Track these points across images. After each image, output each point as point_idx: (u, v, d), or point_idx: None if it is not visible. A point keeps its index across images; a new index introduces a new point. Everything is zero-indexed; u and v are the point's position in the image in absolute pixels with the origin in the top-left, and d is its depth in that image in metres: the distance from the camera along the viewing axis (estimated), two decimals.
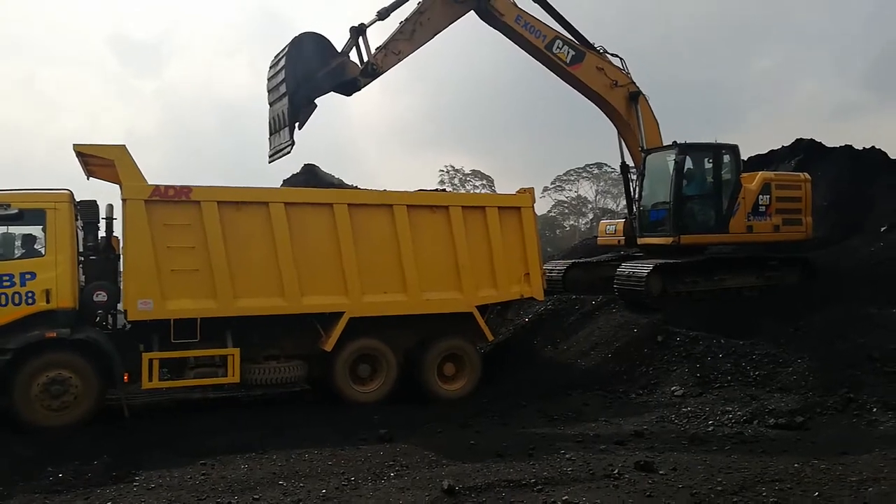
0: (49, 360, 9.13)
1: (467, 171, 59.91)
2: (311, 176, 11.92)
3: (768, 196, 13.65)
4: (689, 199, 13.42)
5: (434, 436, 8.55)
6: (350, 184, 11.81)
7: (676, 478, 6.61)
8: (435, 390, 10.93)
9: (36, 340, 9.04)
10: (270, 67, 12.10)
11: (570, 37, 13.89)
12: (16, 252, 9.69)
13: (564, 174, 61.03)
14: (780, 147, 19.69)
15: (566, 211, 62.47)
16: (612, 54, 14.31)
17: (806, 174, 14.75)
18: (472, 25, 13.32)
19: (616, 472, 6.78)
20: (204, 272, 9.75)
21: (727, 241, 13.71)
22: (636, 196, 14.41)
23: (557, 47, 13.68)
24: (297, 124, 11.62)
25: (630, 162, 14.83)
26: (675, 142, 13.65)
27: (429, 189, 13.00)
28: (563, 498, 6.07)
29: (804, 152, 18.84)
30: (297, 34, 11.67)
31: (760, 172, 14.26)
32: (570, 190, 61.60)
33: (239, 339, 10.00)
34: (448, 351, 11.13)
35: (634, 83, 14.31)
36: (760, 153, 19.74)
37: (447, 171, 59.91)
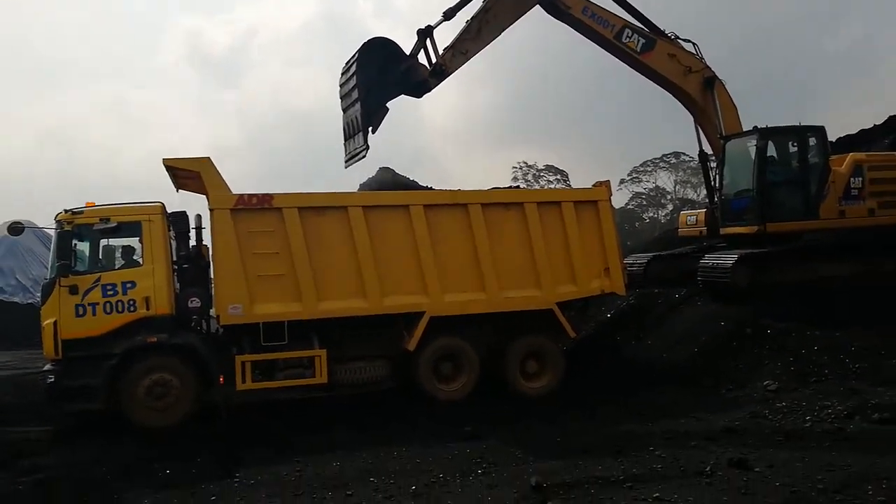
0: (151, 363, 9.65)
1: (541, 167, 59.36)
2: (386, 178, 12.11)
3: (861, 178, 12.98)
4: (773, 185, 12.88)
5: (519, 433, 8.58)
6: (424, 185, 11.95)
7: (773, 475, 6.41)
8: (518, 388, 10.94)
9: (139, 345, 9.58)
10: (342, 74, 12.39)
11: (639, 24, 13.61)
12: (116, 263, 10.26)
13: (641, 165, 59.62)
14: (871, 126, 18.68)
15: (644, 203, 61.02)
16: (684, 39, 13.97)
17: None
18: (540, 19, 13.24)
19: (708, 469, 6.63)
20: (288, 276, 10.07)
21: (817, 228, 13.10)
22: (717, 185, 13.99)
23: (627, 36, 13.43)
24: (370, 128, 11.86)
25: (709, 150, 14.41)
26: (755, 126, 13.17)
27: (502, 187, 12.93)
28: (654, 495, 5.99)
29: None
30: (366, 40, 11.91)
31: (851, 154, 13.55)
32: (648, 181, 60.13)
33: (325, 341, 10.28)
34: (530, 348, 11.11)
35: (709, 68, 13.89)
36: (849, 133, 18.78)
37: (520, 168, 59.54)
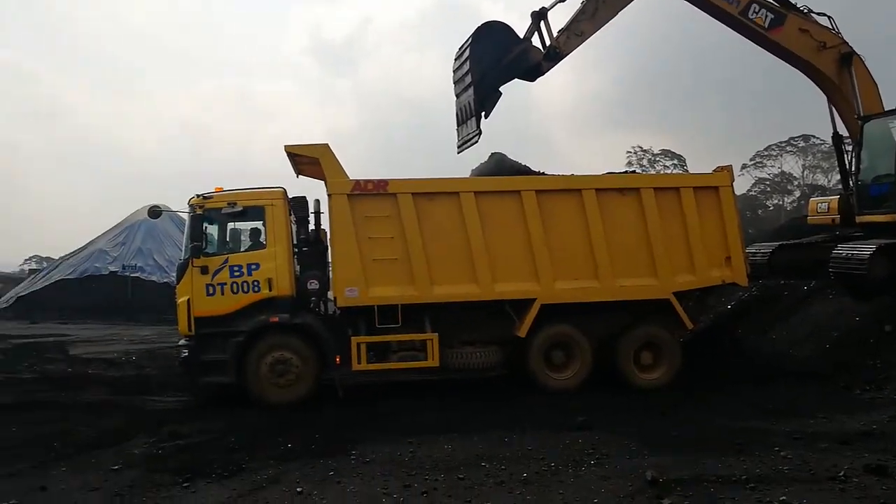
0: (273, 342, 10.17)
1: (656, 151, 57.41)
2: (498, 164, 12.05)
3: None
4: None
5: (634, 425, 8.37)
6: (537, 170, 11.77)
7: None
8: (632, 379, 10.69)
9: (263, 325, 10.11)
10: (455, 59, 12.43)
11: None
12: (242, 245, 10.84)
13: (765, 150, 56.38)
14: None
15: (768, 189, 57.73)
16: (818, 13, 13.00)
17: None
18: None
19: (842, 474, 6.21)
20: (403, 261, 10.29)
21: None
22: (853, 169, 12.99)
23: (753, 12, 12.63)
24: (483, 113, 11.85)
25: (844, 131, 13.40)
26: None
27: (617, 172, 12.58)
28: (781, 498, 5.69)
29: None
30: (479, 24, 11.89)
31: None
32: (773, 166, 56.82)
33: (437, 325, 10.46)
34: (645, 339, 10.82)
35: (846, 43, 12.88)
36: None
37: (635, 152, 57.81)
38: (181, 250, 11.57)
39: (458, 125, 12.46)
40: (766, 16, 12.69)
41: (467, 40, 11.97)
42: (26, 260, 65.39)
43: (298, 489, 6.36)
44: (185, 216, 10.78)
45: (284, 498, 6.19)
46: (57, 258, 35.24)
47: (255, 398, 10.02)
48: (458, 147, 12.48)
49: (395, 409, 9.54)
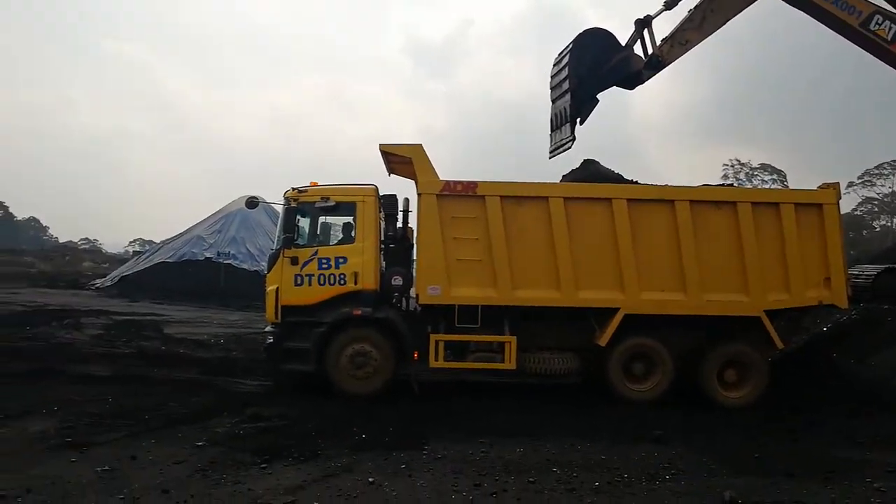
0: (354, 334, 10.41)
1: (755, 165, 55.33)
2: (590, 170, 11.90)
3: None
4: None
5: (713, 443, 8.11)
6: (630, 179, 11.54)
7: None
8: (714, 396, 10.34)
9: (346, 317, 10.36)
10: (554, 65, 12.35)
11: (892, 9, 12.04)
12: (331, 239, 11.14)
13: (876, 168, 53.33)
14: None
15: (876, 209, 54.53)
16: None
17: None
18: (769, 7, 12.21)
19: None
20: (486, 262, 10.31)
21: None
22: None
23: (876, 23, 11.91)
24: (578, 120, 11.72)
25: None
26: None
27: (713, 184, 12.17)
28: None
29: None
30: (581, 31, 11.79)
31: None
32: (883, 185, 53.65)
33: (515, 328, 10.43)
34: (731, 356, 10.44)
35: None
36: None
37: (732, 166, 55.86)
38: (273, 241, 12.00)
39: (552, 130, 12.39)
40: (890, 28, 11.93)
41: (567, 46, 11.89)
42: (131, 242, 69.60)
43: (370, 479, 6.50)
44: (280, 208, 11.15)
45: (356, 486, 6.34)
46: (158, 242, 37.30)
47: (334, 388, 10.28)
48: (551, 152, 12.40)
49: (468, 409, 9.58)
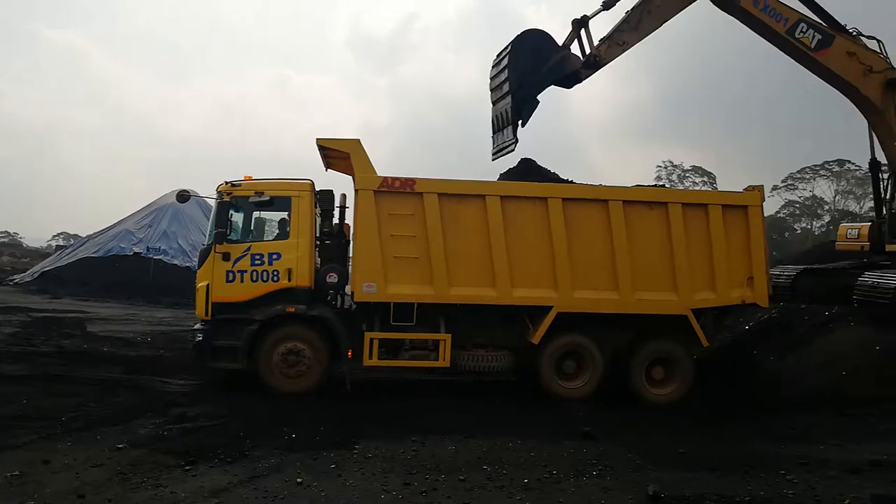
0: (287, 332, 10.25)
1: (687, 167, 57.09)
2: (527, 169, 12.01)
3: None
4: None
5: (640, 439, 8.32)
6: (566, 178, 11.72)
7: None
8: (642, 393, 10.60)
9: (279, 314, 10.18)
10: (493, 66, 12.40)
11: (816, 19, 12.60)
12: (265, 235, 10.93)
13: (798, 172, 55.79)
14: None
15: (797, 212, 57.03)
16: (867, 36, 12.78)
17: None
18: (702, 11, 12.59)
19: (847, 502, 6.13)
20: (423, 260, 10.29)
21: None
22: (887, 197, 12.75)
23: (801, 31, 12.45)
24: (520, 122, 11.84)
25: (882, 158, 13.15)
26: None
27: (646, 185, 12.46)
28: None
29: None
30: (518, 32, 11.87)
31: None
32: (805, 189, 56.18)
33: (451, 326, 10.45)
34: (658, 354, 10.72)
35: (894, 68, 12.64)
36: None
37: (665, 167, 57.48)
38: (205, 235, 11.69)
39: (494, 132, 12.44)
40: (814, 36, 12.50)
41: (506, 48, 11.96)
42: (54, 236, 66.72)
43: (299, 479, 6.41)
44: (213, 202, 10.88)
45: (284, 487, 6.23)
46: (84, 236, 35.88)
47: (264, 386, 10.09)
48: (493, 154, 12.45)
49: (401, 407, 9.54)
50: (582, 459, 7.32)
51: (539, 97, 11.97)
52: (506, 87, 11.83)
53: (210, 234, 10.63)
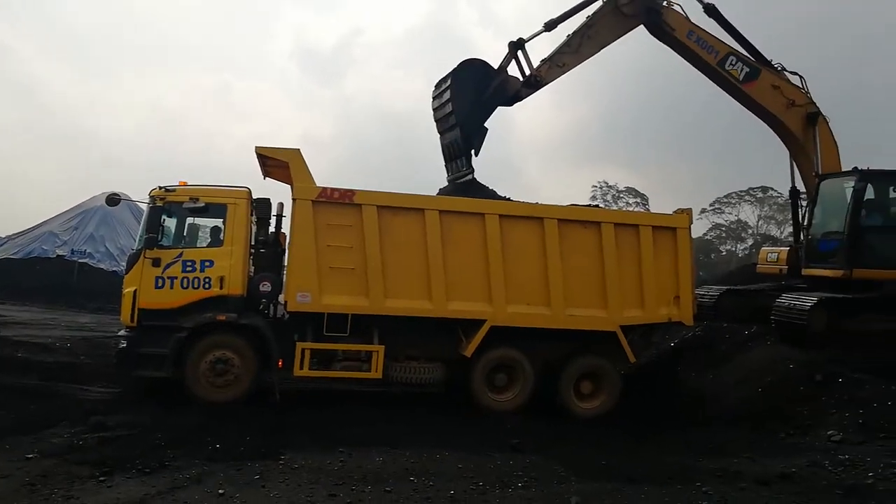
0: (217, 340, 10.04)
1: (621, 188, 58.45)
2: (466, 185, 12.21)
3: None
4: (867, 230, 12.23)
5: (565, 452, 8.46)
6: (503, 195, 11.93)
7: None
8: (570, 407, 10.79)
9: (209, 322, 9.98)
10: (435, 97, 12.56)
11: (744, 53, 13.24)
12: (199, 241, 10.71)
13: (725, 197, 57.75)
14: None
15: (723, 235, 59.07)
16: (790, 72, 13.56)
17: None
18: (641, 40, 13.10)
19: None
20: (359, 271, 10.26)
21: None
22: (805, 223, 13.43)
23: (731, 64, 13.09)
24: (472, 151, 12.04)
25: (801, 187, 13.87)
26: (855, 167, 12.57)
27: (581, 204, 12.80)
28: None
29: None
30: (456, 65, 12.09)
31: None
32: (731, 213, 58.16)
33: (384, 338, 10.44)
34: (587, 368, 10.95)
35: (814, 103, 13.43)
36: None
37: (600, 187, 58.78)
38: (135, 240, 11.39)
39: (447, 162, 12.60)
40: (742, 69, 13.15)
41: (446, 80, 12.16)
42: None
43: (220, 491, 6.29)
44: (145, 206, 10.60)
45: (204, 499, 6.11)
46: (3, 237, 34.24)
47: (190, 395, 9.85)
48: (450, 182, 12.57)
49: (331, 418, 9.44)
50: (509, 471, 7.41)
51: (486, 124, 12.23)
52: (452, 120, 12.08)
53: (140, 239, 10.38)
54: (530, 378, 10.72)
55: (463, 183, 12.12)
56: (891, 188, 12.52)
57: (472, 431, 9.19)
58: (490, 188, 12.18)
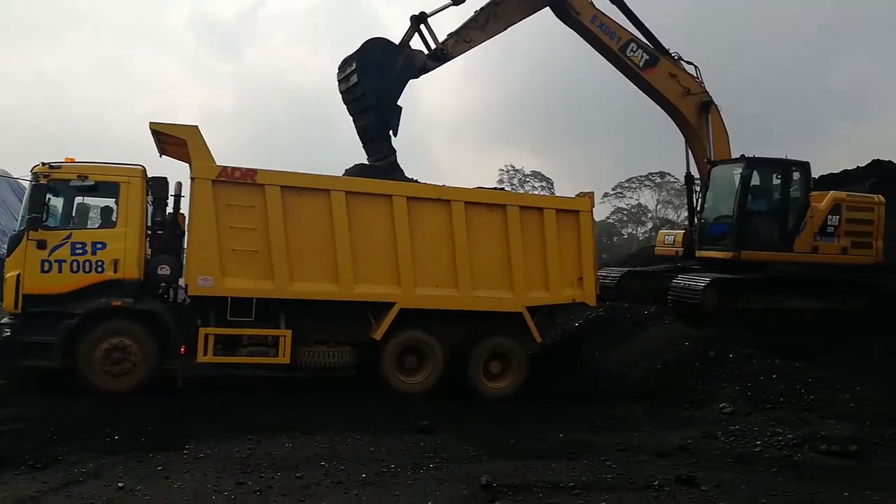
0: (112, 327, 9.54)
1: (527, 172, 59.78)
2: (371, 166, 12.07)
3: (838, 217, 13.19)
4: (753, 214, 13.05)
5: (475, 432, 8.60)
6: (411, 177, 11.89)
7: (719, 495, 6.51)
8: (479, 387, 10.97)
9: (102, 307, 9.46)
10: (341, 79, 12.31)
11: (645, 41, 13.71)
12: (89, 222, 10.12)
13: (626, 181, 60.19)
14: (855, 167, 18.95)
15: (625, 218, 61.59)
16: (686, 61, 14.12)
17: (880, 196, 14.11)
18: (549, 23, 13.31)
19: (656, 483, 6.72)
20: (263, 254, 10.00)
21: (790, 261, 13.24)
22: (698, 208, 14.14)
23: (631, 50, 13.53)
24: (391, 132, 11.91)
25: (695, 172, 14.57)
26: (743, 155, 13.32)
27: (488, 187, 12.95)
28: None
29: (882, 175, 18.04)
30: (359, 46, 11.90)
31: (831, 192, 13.75)
32: (631, 198, 60.74)
33: (291, 322, 10.23)
34: (495, 349, 11.14)
35: (707, 92, 14.05)
36: (833, 172, 19.03)
37: (507, 171, 59.84)
38: (17, 220, 10.63)
39: (365, 144, 12.38)
40: (642, 56, 13.61)
41: (351, 63, 11.94)
42: None
43: (120, 484, 6.00)
44: (27, 184, 9.88)
45: (102, 493, 5.81)
46: None
47: (84, 386, 9.32)
48: (371, 164, 12.34)
49: (239, 405, 9.20)
50: (419, 452, 7.45)
51: (399, 102, 12.13)
52: (364, 103, 11.91)
53: (23, 220, 9.68)
54: (440, 359, 10.81)
55: (386, 164, 11.97)
56: (774, 175, 13.36)
57: (382, 414, 9.20)
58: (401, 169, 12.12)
